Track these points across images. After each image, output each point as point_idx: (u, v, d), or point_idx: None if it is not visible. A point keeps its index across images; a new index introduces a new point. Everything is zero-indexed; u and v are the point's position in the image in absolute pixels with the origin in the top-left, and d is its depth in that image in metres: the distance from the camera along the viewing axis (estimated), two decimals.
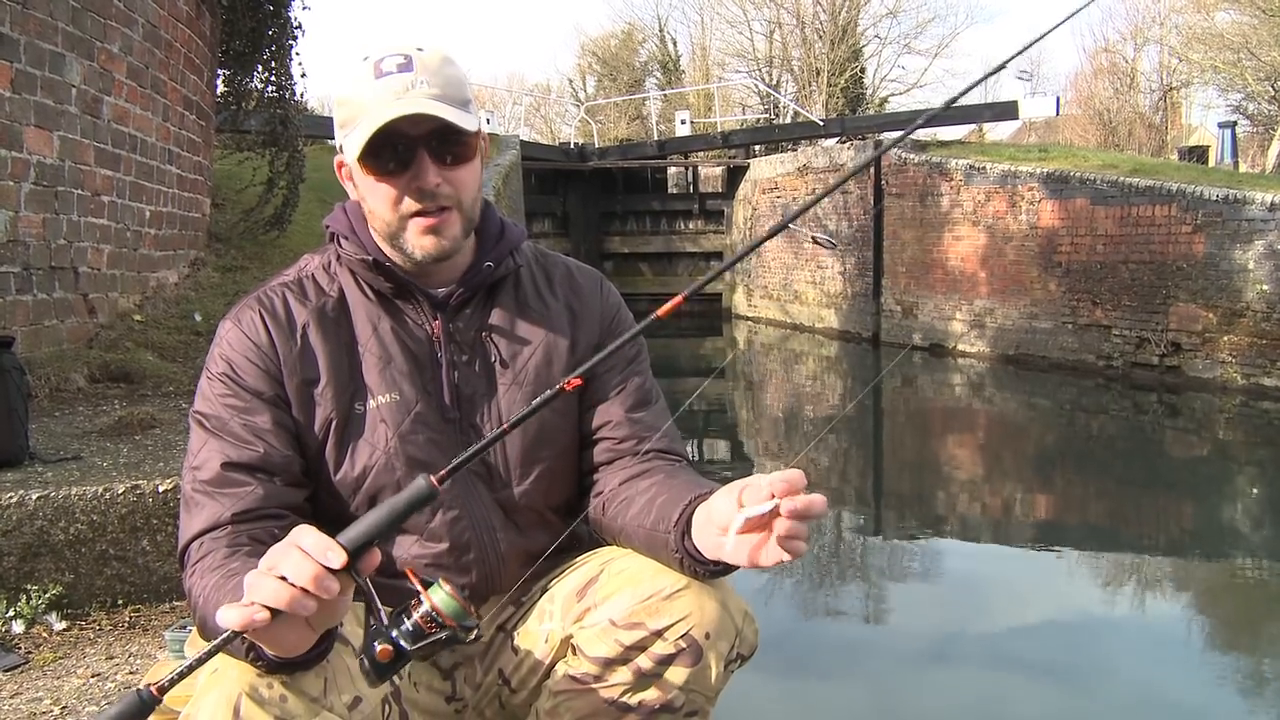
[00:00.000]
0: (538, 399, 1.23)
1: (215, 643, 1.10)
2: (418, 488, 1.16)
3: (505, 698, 1.53)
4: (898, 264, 16.24)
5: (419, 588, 1.21)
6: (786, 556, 1.20)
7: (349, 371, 1.49)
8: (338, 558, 1.08)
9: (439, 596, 1.20)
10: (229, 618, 1.06)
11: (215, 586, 1.26)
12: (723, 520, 1.24)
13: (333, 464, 1.47)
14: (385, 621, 1.20)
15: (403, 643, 1.19)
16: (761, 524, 1.20)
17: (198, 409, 1.48)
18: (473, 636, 1.23)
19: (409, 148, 1.41)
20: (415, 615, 1.20)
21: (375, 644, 1.19)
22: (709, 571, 1.34)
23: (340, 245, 1.54)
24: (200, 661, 1.10)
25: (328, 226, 1.57)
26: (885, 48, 32.96)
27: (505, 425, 1.21)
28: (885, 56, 33.30)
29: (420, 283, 1.52)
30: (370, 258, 1.50)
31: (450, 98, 1.41)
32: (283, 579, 1.06)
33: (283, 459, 1.43)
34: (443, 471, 1.17)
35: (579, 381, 1.25)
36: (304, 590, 1.06)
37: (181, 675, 1.09)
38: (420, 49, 1.44)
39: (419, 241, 1.46)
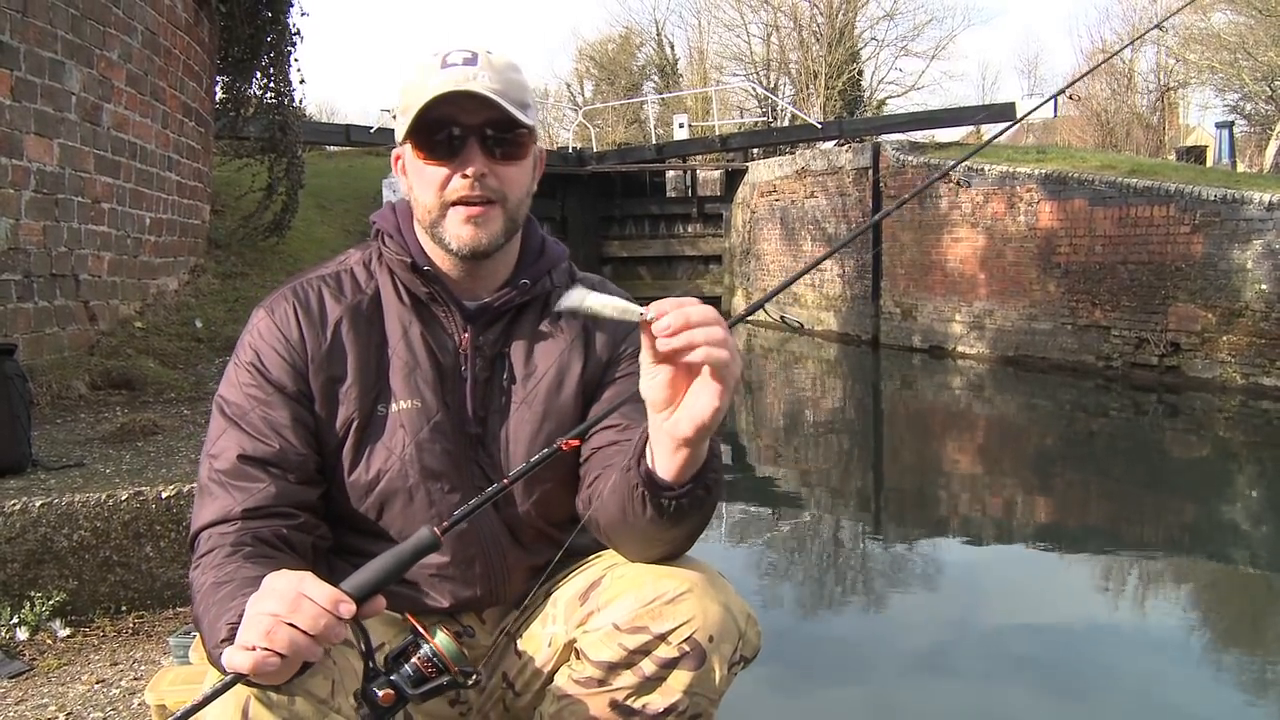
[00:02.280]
0: (535, 456, 1.26)
1: (220, 684, 1.13)
2: (421, 537, 1.20)
3: (509, 701, 1.53)
4: (897, 266, 16.25)
5: (420, 630, 1.22)
6: (663, 387, 1.18)
7: (375, 373, 1.50)
8: (349, 610, 1.12)
9: (441, 640, 1.21)
10: (238, 661, 1.10)
11: (210, 590, 1.28)
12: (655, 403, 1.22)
13: (348, 464, 1.48)
14: (382, 665, 1.21)
15: (405, 686, 1.20)
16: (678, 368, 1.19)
17: (221, 393, 1.49)
18: (472, 681, 1.24)
19: (461, 136, 1.43)
20: (415, 658, 1.21)
21: (376, 688, 1.20)
22: (670, 499, 1.28)
23: (384, 243, 1.55)
24: (205, 701, 1.13)
25: (374, 222, 1.59)
26: (882, 50, 33.01)
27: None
28: (882, 59, 33.36)
29: (456, 292, 1.53)
30: (410, 259, 1.51)
31: (509, 96, 1.43)
32: (293, 626, 1.09)
33: (298, 456, 1.44)
34: (446, 524, 1.21)
35: (576, 443, 1.28)
36: (314, 639, 1.10)
37: (187, 715, 1.12)
38: (489, 51, 1.46)
39: (457, 231, 1.46)
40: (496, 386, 1.54)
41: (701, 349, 1.15)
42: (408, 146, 1.47)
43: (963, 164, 14.93)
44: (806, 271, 1.48)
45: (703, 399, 1.19)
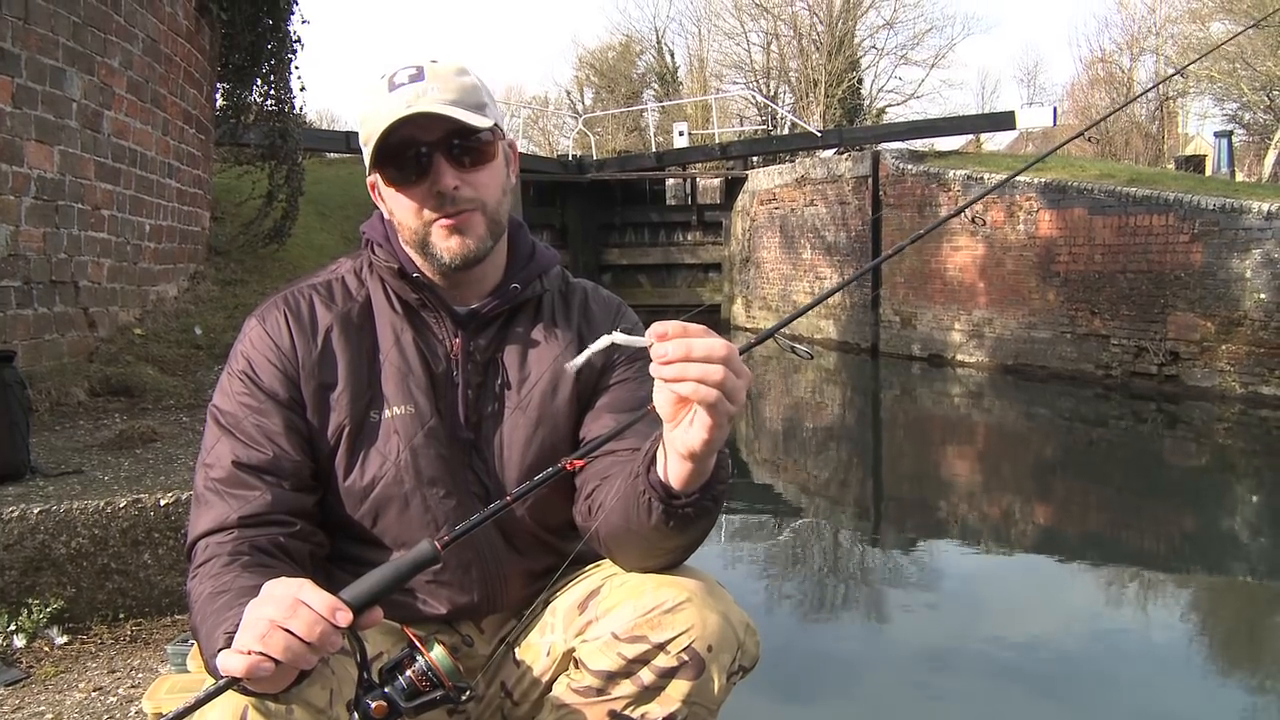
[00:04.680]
0: (540, 475, 1.26)
1: (213, 687, 1.12)
2: (421, 550, 1.20)
3: (508, 711, 1.53)
4: (896, 274, 16.25)
5: (416, 643, 1.22)
6: (669, 403, 1.17)
7: (367, 379, 1.50)
8: (345, 618, 1.12)
9: (436, 653, 1.21)
10: (232, 664, 1.09)
11: (208, 599, 1.28)
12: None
13: (343, 471, 1.48)
14: (377, 677, 1.21)
15: (398, 700, 1.20)
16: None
17: (215, 403, 1.49)
18: (466, 697, 1.24)
19: (426, 155, 1.43)
20: (409, 671, 1.21)
21: (370, 700, 1.20)
22: (677, 507, 1.28)
23: (373, 252, 1.56)
24: (199, 703, 1.12)
25: (363, 232, 1.59)
26: (882, 58, 33.05)
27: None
28: (882, 67, 33.40)
29: (446, 298, 1.53)
30: (399, 266, 1.51)
31: (462, 102, 1.43)
32: (289, 632, 1.09)
33: (293, 464, 1.45)
34: (446, 537, 1.21)
35: (580, 463, 1.28)
36: (309, 646, 1.10)
37: (179, 716, 1.12)
38: (434, 60, 1.46)
39: (445, 244, 1.46)
40: (490, 392, 1.54)
41: (690, 385, 1.13)
42: (377, 174, 1.47)
43: (960, 173, 14.93)
44: (821, 301, 1.48)
45: (693, 429, 1.18)
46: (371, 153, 1.44)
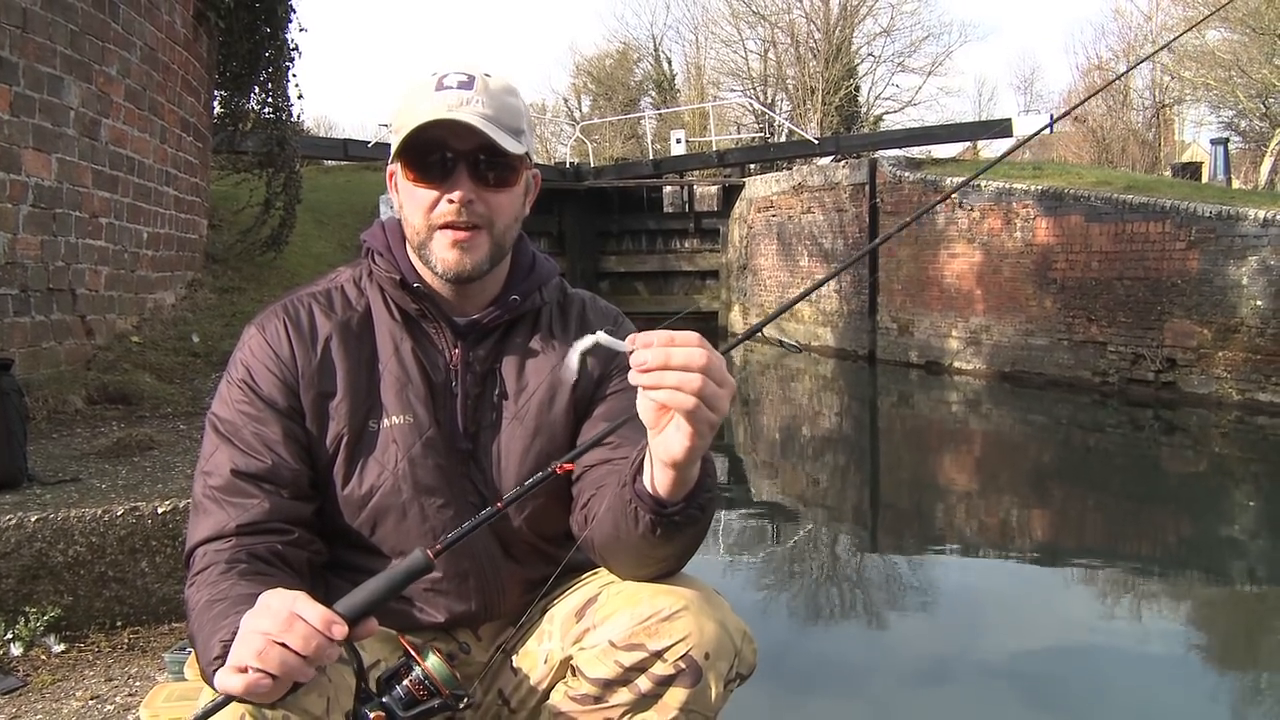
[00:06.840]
0: (530, 480, 1.28)
1: (211, 704, 1.13)
2: (414, 560, 1.21)
3: (505, 718, 1.53)
4: (893, 282, 16.28)
5: (411, 652, 1.23)
6: (650, 410, 1.18)
7: (366, 388, 1.51)
8: (341, 631, 1.13)
9: (432, 662, 1.22)
10: (230, 683, 1.10)
11: (205, 607, 1.29)
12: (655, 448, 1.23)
13: (341, 479, 1.49)
14: (374, 687, 1.22)
15: (396, 709, 1.21)
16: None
17: (214, 411, 1.49)
18: (464, 705, 1.24)
19: (453, 160, 1.44)
20: (406, 680, 1.22)
21: (368, 710, 1.20)
22: (662, 516, 1.29)
23: (374, 261, 1.56)
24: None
25: (364, 241, 1.60)
26: (879, 66, 33.12)
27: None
28: (879, 75, 33.46)
29: (446, 308, 1.54)
30: (400, 276, 1.52)
31: (501, 122, 1.44)
32: (285, 646, 1.10)
33: (291, 472, 1.45)
34: (438, 546, 1.22)
35: (570, 467, 1.30)
36: (305, 660, 1.10)
37: None
38: (488, 74, 1.47)
39: (443, 254, 1.47)
40: (488, 402, 1.54)
41: (667, 392, 1.15)
42: (399, 165, 1.48)
43: (957, 180, 14.96)
44: (805, 295, 1.48)
45: (673, 436, 1.20)
46: (399, 144, 1.44)
